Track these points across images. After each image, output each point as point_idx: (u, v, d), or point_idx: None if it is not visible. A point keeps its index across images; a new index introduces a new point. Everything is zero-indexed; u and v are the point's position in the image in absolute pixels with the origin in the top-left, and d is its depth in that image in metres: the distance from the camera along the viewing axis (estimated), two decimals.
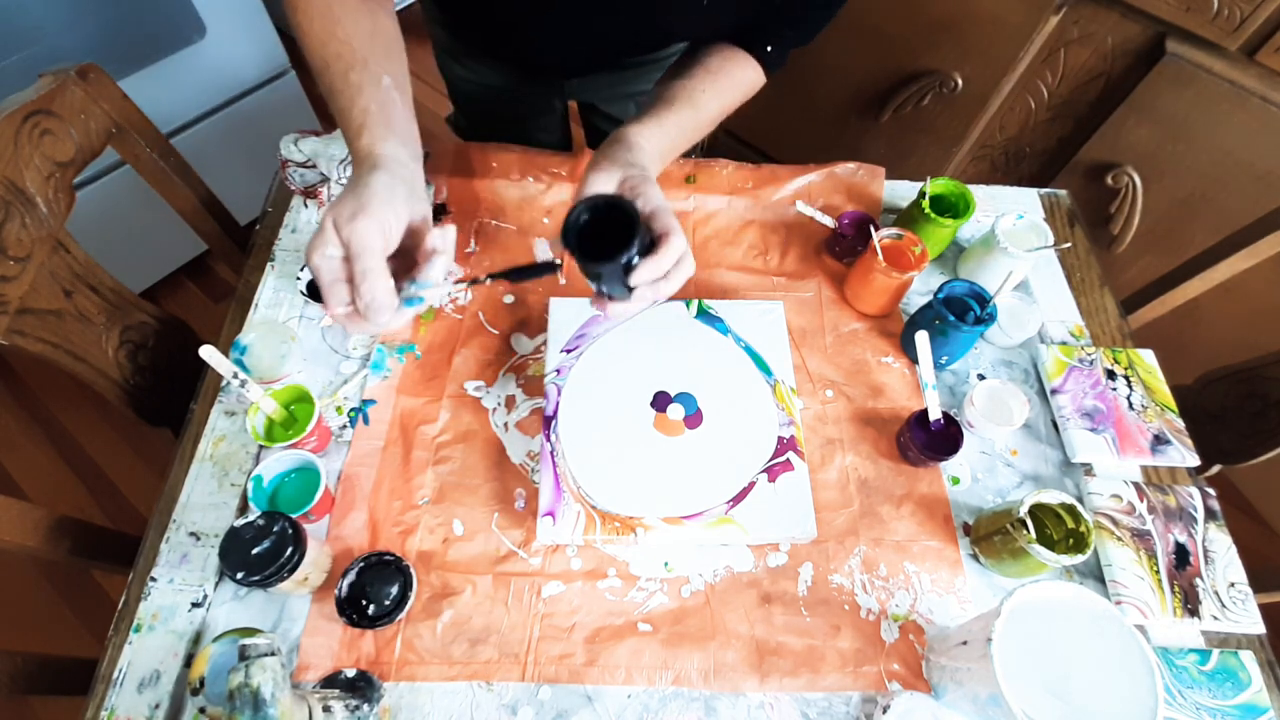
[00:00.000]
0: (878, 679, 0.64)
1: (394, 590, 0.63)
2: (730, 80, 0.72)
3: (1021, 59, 1.23)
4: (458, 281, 0.61)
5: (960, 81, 1.31)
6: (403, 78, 0.61)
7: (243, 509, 0.69)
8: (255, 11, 1.49)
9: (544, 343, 0.80)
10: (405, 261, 0.55)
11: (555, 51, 0.83)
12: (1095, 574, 0.70)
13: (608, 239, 0.55)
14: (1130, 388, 0.80)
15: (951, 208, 0.87)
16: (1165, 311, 1.04)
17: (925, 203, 0.84)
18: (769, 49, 0.72)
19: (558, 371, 0.75)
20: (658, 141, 0.66)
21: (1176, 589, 0.68)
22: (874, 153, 1.52)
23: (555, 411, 0.73)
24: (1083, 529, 0.64)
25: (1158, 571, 0.69)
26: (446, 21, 0.89)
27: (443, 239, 0.55)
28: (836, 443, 0.77)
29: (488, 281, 0.59)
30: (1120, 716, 0.51)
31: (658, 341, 0.78)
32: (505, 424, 0.76)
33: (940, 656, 0.63)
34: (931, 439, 0.73)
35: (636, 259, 0.56)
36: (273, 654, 0.48)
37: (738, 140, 1.76)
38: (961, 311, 0.77)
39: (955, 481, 0.75)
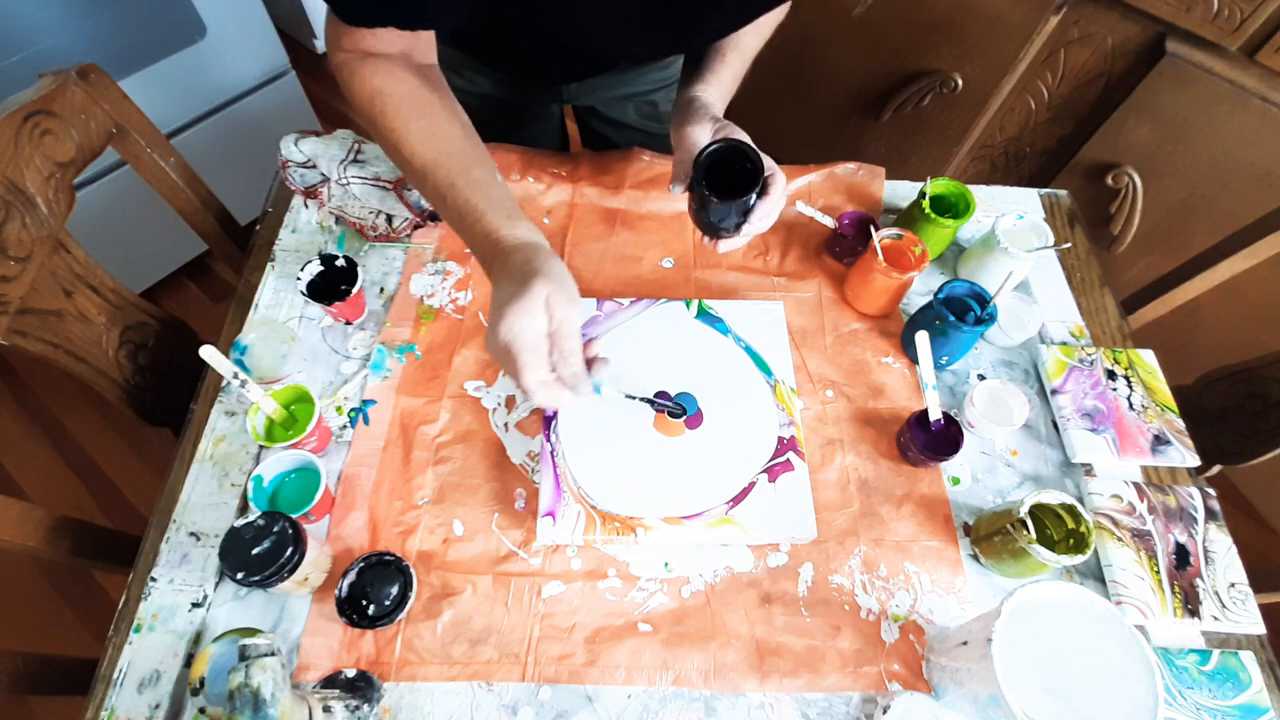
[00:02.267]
0: (878, 679, 0.64)
1: (394, 590, 0.63)
2: (765, 19, 0.76)
3: (1021, 59, 1.23)
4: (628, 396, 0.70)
5: (960, 81, 1.32)
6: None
7: (243, 509, 0.69)
8: (255, 11, 1.49)
9: None
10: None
11: (555, 60, 0.83)
12: (1095, 574, 0.70)
13: (728, 180, 0.64)
14: (1130, 388, 0.80)
15: (951, 208, 0.87)
16: (1165, 311, 1.04)
17: (925, 203, 0.84)
18: None
19: None
20: (721, 95, 0.75)
21: (1177, 589, 0.68)
22: (874, 153, 1.53)
23: (555, 412, 0.73)
24: (1083, 529, 0.64)
25: (1158, 572, 0.69)
26: (446, 35, 0.89)
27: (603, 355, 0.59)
28: (837, 443, 0.77)
29: (637, 399, 0.71)
30: (1120, 717, 0.51)
31: (658, 341, 0.78)
32: (505, 424, 0.76)
33: (940, 657, 0.63)
34: (932, 439, 0.73)
35: (754, 200, 0.65)
36: (273, 654, 0.48)
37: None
38: (961, 311, 0.77)
39: (955, 482, 0.75)
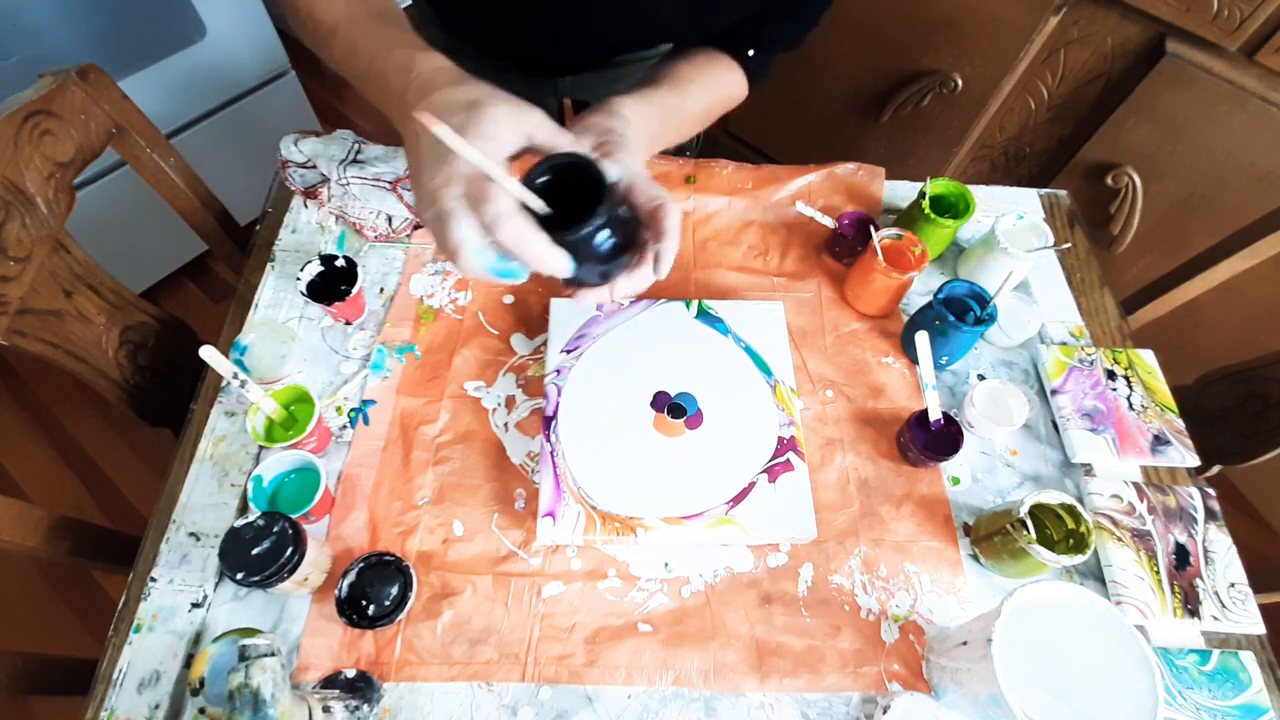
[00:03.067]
0: (878, 679, 0.64)
1: (394, 590, 0.63)
2: (715, 78, 0.71)
3: (1021, 59, 1.23)
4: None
5: (960, 81, 1.31)
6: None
7: (243, 509, 0.69)
8: (255, 11, 1.49)
9: (544, 343, 0.80)
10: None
11: (549, 47, 0.83)
12: (1095, 574, 0.70)
13: (572, 209, 0.46)
14: (1130, 388, 0.80)
15: (951, 208, 0.87)
16: (1165, 311, 1.04)
17: (925, 203, 0.84)
18: (752, 54, 0.72)
19: (558, 372, 0.75)
20: (644, 116, 0.60)
21: (1176, 589, 0.68)
22: (874, 153, 1.52)
23: (555, 412, 0.73)
24: (1083, 529, 0.64)
25: (1158, 572, 0.69)
26: (441, 20, 0.90)
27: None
28: (836, 443, 0.77)
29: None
30: (1120, 717, 0.51)
31: (658, 342, 0.78)
32: (505, 424, 0.76)
33: (940, 657, 0.63)
34: (931, 439, 0.73)
35: (607, 235, 0.48)
36: (273, 654, 0.48)
37: (738, 140, 1.76)
38: (961, 312, 0.77)
39: (955, 482, 0.75)
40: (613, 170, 0.50)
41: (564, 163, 0.47)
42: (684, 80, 0.68)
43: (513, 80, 0.94)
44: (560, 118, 1.10)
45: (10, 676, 0.70)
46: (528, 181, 0.46)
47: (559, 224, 0.46)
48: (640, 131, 0.58)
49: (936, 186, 0.87)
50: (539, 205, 0.44)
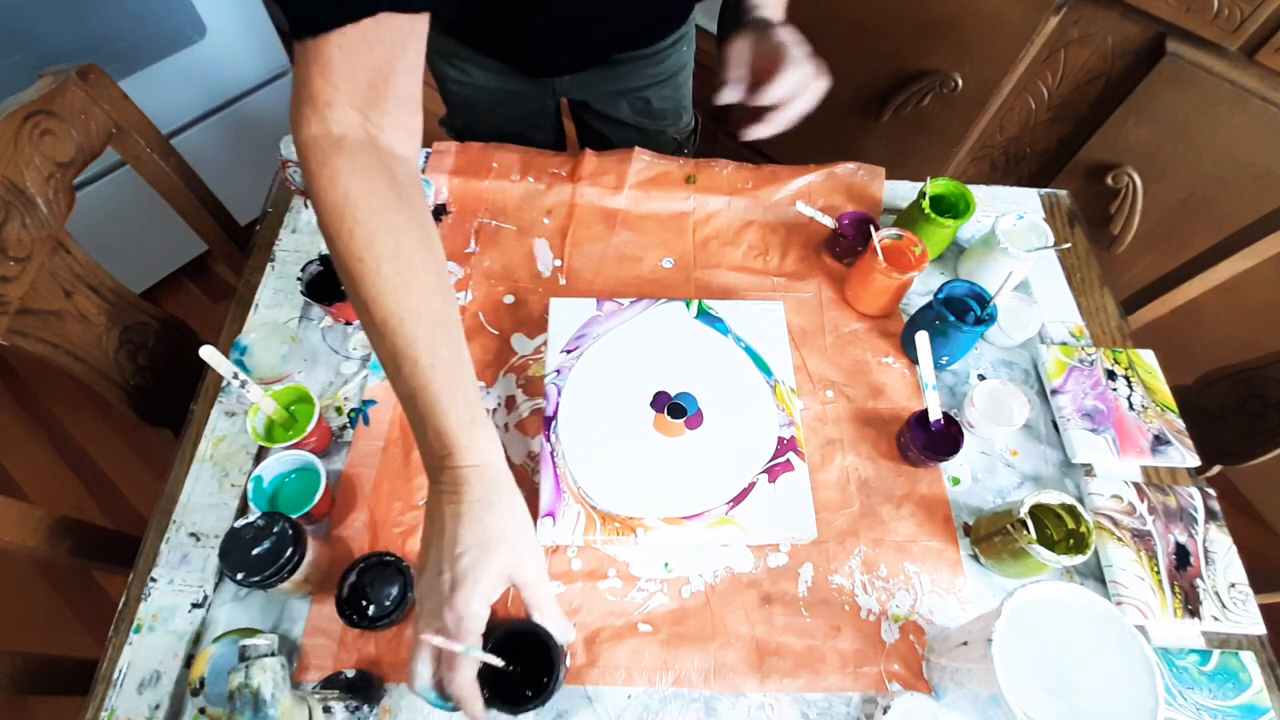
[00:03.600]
0: (878, 679, 0.64)
1: (394, 591, 0.63)
2: None
3: (1021, 59, 1.23)
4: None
5: (960, 81, 1.31)
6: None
7: (243, 509, 0.69)
8: (255, 11, 1.49)
9: (544, 343, 0.80)
10: None
11: (550, 48, 0.83)
12: (1095, 574, 0.70)
13: (520, 676, 0.54)
14: (1130, 388, 0.80)
15: (951, 208, 0.87)
16: (1165, 311, 1.04)
17: (925, 203, 0.84)
18: None
19: (558, 372, 0.75)
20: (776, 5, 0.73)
21: (1177, 589, 0.68)
22: (874, 153, 1.52)
23: (555, 412, 0.73)
24: (1083, 529, 0.64)
25: (1158, 572, 0.69)
26: (438, 22, 0.89)
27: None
28: (836, 443, 0.77)
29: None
30: (1120, 717, 0.51)
31: (658, 342, 0.78)
32: (505, 424, 0.76)
33: (940, 657, 0.63)
34: (932, 439, 0.73)
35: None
36: (273, 655, 0.48)
37: (738, 140, 1.76)
38: (961, 312, 0.77)
39: (955, 482, 0.75)
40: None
41: (524, 629, 0.54)
42: None
43: (511, 80, 0.95)
44: (558, 117, 1.10)
45: (10, 676, 0.70)
46: (494, 635, 0.53)
47: (508, 683, 0.53)
48: (775, 6, 0.73)
49: (936, 186, 0.87)
50: (498, 663, 0.51)
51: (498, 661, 0.51)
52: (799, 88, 0.66)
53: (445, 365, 0.51)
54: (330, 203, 0.52)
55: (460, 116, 1.07)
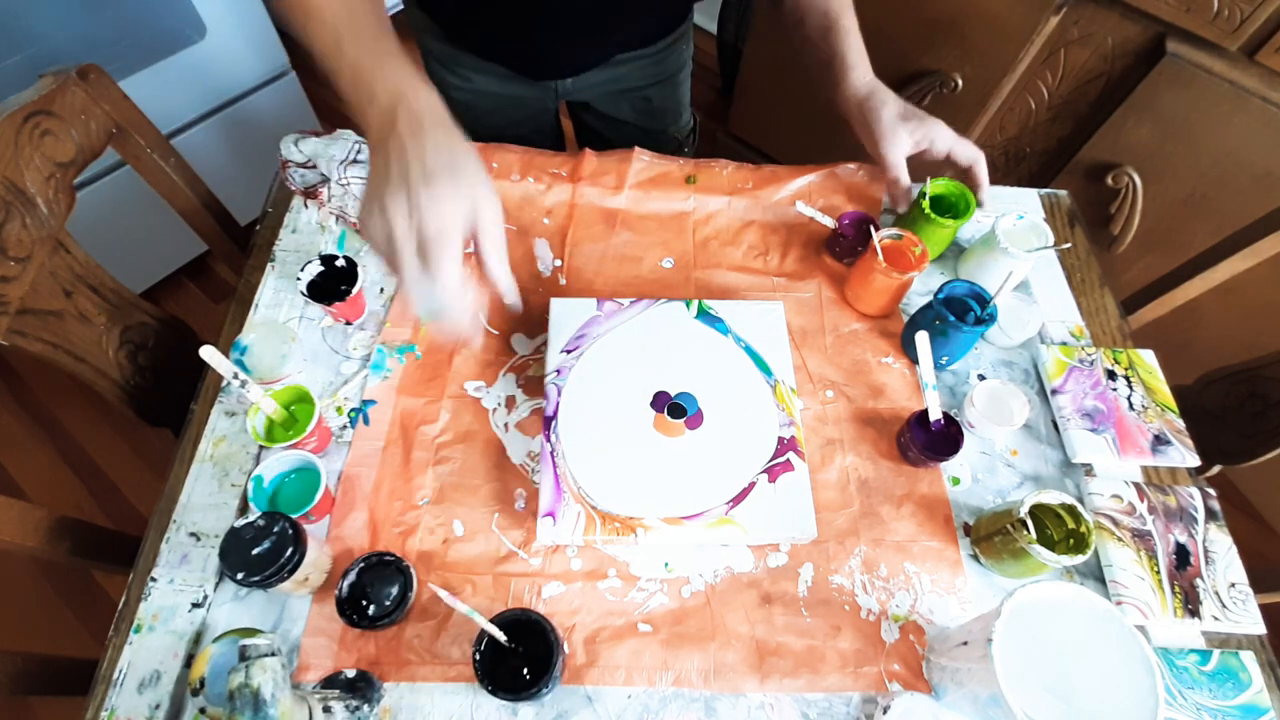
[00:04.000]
0: (878, 679, 0.64)
1: (394, 590, 0.63)
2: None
3: (1021, 59, 1.23)
4: None
5: (960, 81, 1.31)
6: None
7: (243, 509, 0.69)
8: (255, 11, 1.49)
9: (544, 343, 0.80)
10: None
11: (553, 49, 0.83)
12: (1096, 574, 0.70)
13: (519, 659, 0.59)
14: (1130, 388, 0.80)
15: (952, 208, 0.87)
16: (1165, 311, 1.04)
17: (925, 203, 0.84)
18: None
19: (558, 372, 0.75)
20: (866, 60, 0.81)
21: (1177, 589, 0.68)
22: None
23: (555, 412, 0.73)
24: (1083, 529, 0.64)
25: (1158, 572, 0.69)
26: (439, 29, 0.89)
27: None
28: (836, 443, 0.77)
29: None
30: (1120, 717, 0.51)
31: (658, 342, 0.78)
32: (505, 424, 0.76)
33: (940, 657, 0.63)
34: (932, 439, 0.73)
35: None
36: (273, 654, 0.48)
37: (738, 140, 1.76)
38: (962, 311, 0.77)
39: (955, 482, 0.75)
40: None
41: (522, 619, 0.59)
42: (844, 10, 0.82)
43: (513, 84, 0.95)
44: (557, 120, 1.10)
45: (10, 676, 0.70)
46: (497, 620, 0.57)
47: (508, 671, 0.58)
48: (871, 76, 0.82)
49: (936, 186, 0.87)
50: (501, 636, 0.57)
51: (500, 635, 0.55)
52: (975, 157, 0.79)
53: (376, 45, 0.55)
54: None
55: (461, 122, 1.07)
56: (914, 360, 0.80)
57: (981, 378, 0.81)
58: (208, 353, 0.66)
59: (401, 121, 0.52)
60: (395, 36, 0.58)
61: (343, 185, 0.84)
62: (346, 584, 0.63)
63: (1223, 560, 0.70)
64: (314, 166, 0.86)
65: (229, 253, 1.02)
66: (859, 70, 0.81)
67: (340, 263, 0.79)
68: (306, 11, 0.56)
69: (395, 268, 0.52)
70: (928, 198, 0.84)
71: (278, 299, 0.83)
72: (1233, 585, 0.68)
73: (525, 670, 0.59)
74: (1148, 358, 0.83)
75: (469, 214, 0.52)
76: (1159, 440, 0.77)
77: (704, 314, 0.80)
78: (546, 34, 0.79)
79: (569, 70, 0.92)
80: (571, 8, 0.71)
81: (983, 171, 0.81)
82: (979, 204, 0.84)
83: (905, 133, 0.78)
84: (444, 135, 0.52)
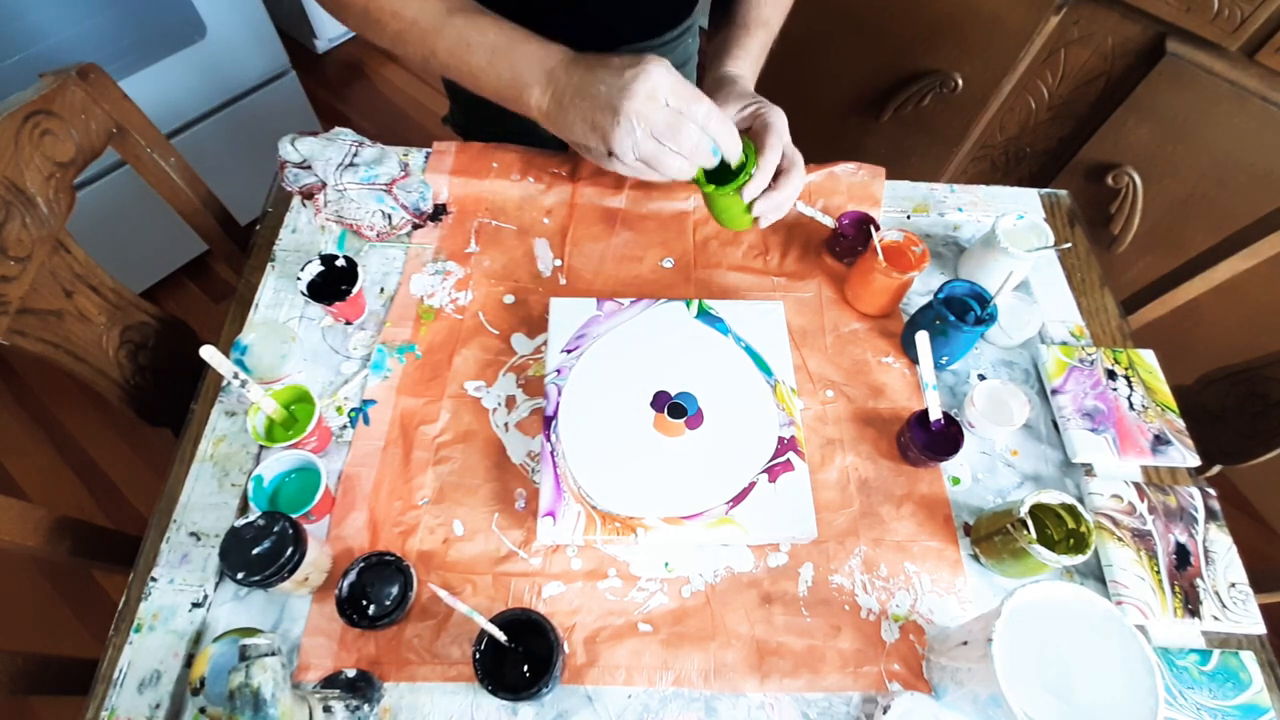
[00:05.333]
0: (878, 679, 0.64)
1: (394, 590, 0.63)
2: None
3: (1021, 59, 1.23)
4: None
5: (960, 81, 1.32)
6: None
7: (243, 509, 0.69)
8: (255, 11, 1.49)
9: (544, 343, 0.81)
10: None
11: (560, 41, 0.84)
12: (1096, 574, 0.70)
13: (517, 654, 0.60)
14: (1131, 388, 0.80)
15: (739, 171, 0.70)
16: (1165, 311, 1.04)
17: (700, 174, 0.68)
18: None
19: (558, 371, 0.76)
20: (751, 68, 0.78)
21: (1177, 589, 0.68)
22: (874, 153, 1.52)
23: (555, 411, 0.73)
24: (1083, 529, 0.64)
25: (1158, 572, 0.69)
26: None
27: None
28: (837, 443, 0.77)
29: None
30: (1120, 716, 0.51)
31: (658, 342, 0.78)
32: (505, 424, 0.76)
33: (940, 657, 0.63)
34: (932, 439, 0.73)
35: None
36: (273, 654, 0.48)
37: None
38: (962, 311, 0.77)
39: (955, 482, 0.75)
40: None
41: (523, 618, 0.59)
42: (761, 9, 0.79)
43: None
44: None
45: (10, 676, 0.70)
46: (497, 620, 0.58)
47: (508, 671, 0.59)
48: (752, 78, 0.77)
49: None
50: (501, 636, 0.57)
51: (500, 635, 0.56)
52: (794, 191, 0.72)
53: (497, 25, 0.60)
54: None
55: (466, 114, 1.06)
56: (914, 360, 0.80)
57: (981, 378, 0.81)
58: (208, 352, 0.66)
59: (564, 72, 0.58)
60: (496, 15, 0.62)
61: (339, 190, 0.84)
62: (346, 584, 0.63)
63: (1223, 560, 0.70)
64: (309, 167, 0.85)
65: (229, 252, 1.02)
66: (743, 64, 0.78)
67: (340, 262, 0.79)
68: (429, 28, 0.61)
69: (676, 144, 0.58)
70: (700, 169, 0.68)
71: (278, 299, 0.83)
72: (1233, 585, 0.68)
73: (525, 670, 0.59)
74: (1148, 358, 0.83)
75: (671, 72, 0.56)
76: (1159, 440, 0.77)
77: (704, 314, 0.80)
78: (554, 26, 0.79)
79: None
80: (584, 12, 0.72)
81: (775, 175, 0.71)
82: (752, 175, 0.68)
83: (736, 98, 0.72)
84: (600, 57, 0.57)
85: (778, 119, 0.70)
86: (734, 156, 0.62)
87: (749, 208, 0.72)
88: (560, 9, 0.74)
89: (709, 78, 0.77)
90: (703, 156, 0.61)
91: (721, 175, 0.70)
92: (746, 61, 0.77)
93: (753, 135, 0.69)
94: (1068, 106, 1.25)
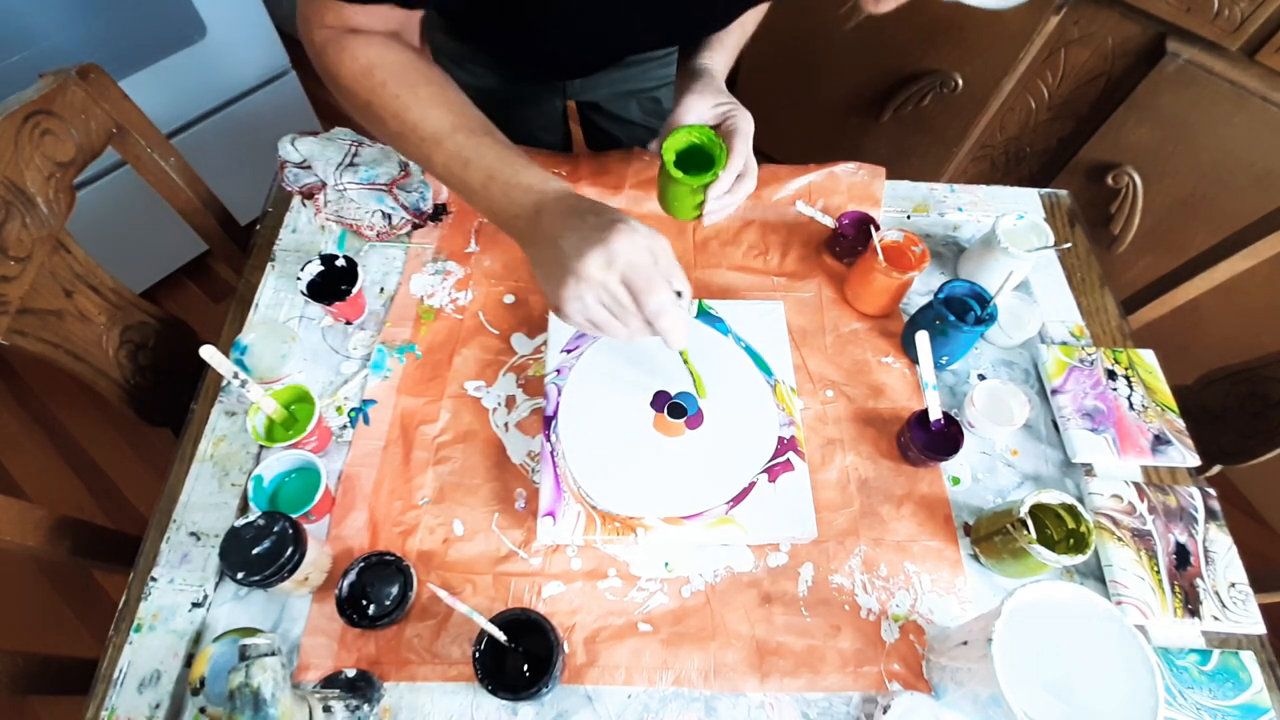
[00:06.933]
0: (878, 679, 0.64)
1: (394, 590, 0.63)
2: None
3: (1022, 59, 1.23)
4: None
5: (960, 81, 1.32)
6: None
7: (243, 509, 0.69)
8: (255, 11, 1.49)
9: (544, 343, 0.80)
10: None
11: (564, 51, 0.83)
12: (1096, 574, 0.70)
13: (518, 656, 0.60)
14: (1131, 388, 0.80)
15: (709, 162, 0.70)
16: (1165, 311, 1.04)
17: (670, 157, 0.69)
18: None
19: (558, 371, 0.75)
20: (724, 64, 0.77)
21: (1177, 589, 0.68)
22: (874, 153, 1.53)
23: (555, 411, 0.73)
24: (1083, 529, 0.64)
25: (1158, 572, 0.69)
26: (450, 27, 0.89)
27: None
28: (837, 443, 0.77)
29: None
30: (1120, 716, 0.51)
31: (658, 342, 0.78)
32: (505, 424, 0.76)
33: (940, 657, 0.63)
34: (932, 439, 0.73)
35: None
36: (273, 654, 0.48)
37: None
38: (962, 311, 0.77)
39: (955, 481, 0.75)
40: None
41: (524, 619, 0.60)
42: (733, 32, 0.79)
43: (521, 83, 0.94)
44: (564, 120, 1.10)
45: (10, 676, 0.70)
46: (497, 620, 0.58)
47: (508, 672, 0.60)
48: (723, 74, 0.76)
49: (685, 136, 0.71)
50: (501, 636, 0.58)
51: (500, 635, 0.56)
52: (744, 196, 0.71)
53: (501, 145, 0.59)
54: (354, 74, 0.59)
55: None
56: (914, 360, 0.80)
57: (981, 377, 0.81)
58: (208, 352, 0.66)
59: (546, 218, 0.56)
60: (502, 137, 0.61)
61: (339, 190, 0.84)
62: (346, 584, 0.63)
63: (1223, 560, 0.70)
64: (309, 167, 0.85)
65: (229, 252, 1.02)
66: (718, 58, 0.78)
67: (340, 262, 0.79)
68: (428, 139, 0.59)
69: (622, 320, 0.56)
70: (675, 153, 0.70)
71: (278, 298, 0.83)
72: (1233, 585, 0.68)
73: (525, 670, 0.59)
74: (1148, 358, 0.83)
75: (652, 246, 0.55)
76: (1159, 440, 0.77)
77: (704, 313, 0.80)
78: (558, 36, 0.79)
79: (580, 71, 0.92)
80: (584, 12, 0.71)
81: (738, 175, 0.70)
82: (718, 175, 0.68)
83: (711, 93, 0.72)
84: (588, 204, 0.56)
85: (746, 124, 0.70)
86: (677, 348, 0.60)
87: (700, 204, 0.71)
88: (567, 21, 0.74)
89: (684, 68, 0.77)
90: (643, 338, 0.59)
91: (687, 162, 0.71)
92: (721, 56, 0.77)
93: (722, 135, 0.70)
94: (1068, 106, 1.25)
